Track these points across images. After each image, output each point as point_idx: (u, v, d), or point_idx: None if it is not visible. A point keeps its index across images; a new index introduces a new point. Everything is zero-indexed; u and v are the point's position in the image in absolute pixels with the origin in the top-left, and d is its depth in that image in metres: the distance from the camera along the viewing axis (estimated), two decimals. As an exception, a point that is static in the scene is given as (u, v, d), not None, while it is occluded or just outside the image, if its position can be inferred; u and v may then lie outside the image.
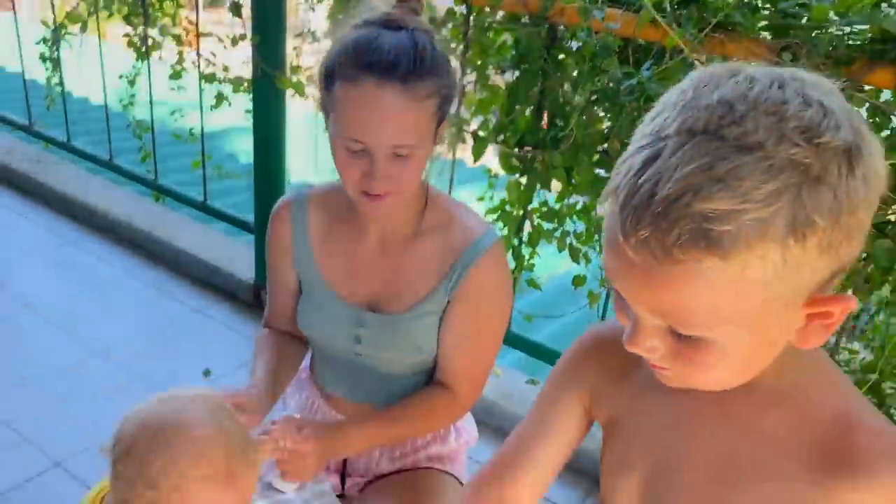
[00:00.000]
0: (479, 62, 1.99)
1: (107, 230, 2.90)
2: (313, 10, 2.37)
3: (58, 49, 2.91)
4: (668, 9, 1.53)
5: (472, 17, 1.95)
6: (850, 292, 1.51)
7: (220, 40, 2.38)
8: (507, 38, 1.97)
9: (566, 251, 1.98)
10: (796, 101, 0.56)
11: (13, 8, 3.10)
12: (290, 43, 2.37)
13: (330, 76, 1.10)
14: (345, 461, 1.37)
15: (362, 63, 1.06)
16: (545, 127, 1.93)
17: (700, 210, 0.54)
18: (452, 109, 1.20)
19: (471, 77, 2.00)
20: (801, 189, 0.54)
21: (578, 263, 1.98)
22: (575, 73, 1.77)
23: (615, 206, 0.58)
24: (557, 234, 1.99)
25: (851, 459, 0.63)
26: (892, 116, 1.46)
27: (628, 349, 0.64)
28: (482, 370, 1.29)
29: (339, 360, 1.30)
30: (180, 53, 2.53)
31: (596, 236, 1.95)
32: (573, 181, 1.89)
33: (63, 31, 2.85)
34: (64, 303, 2.49)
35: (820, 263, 0.57)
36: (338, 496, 1.33)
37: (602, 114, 1.74)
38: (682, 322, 0.60)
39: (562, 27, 1.79)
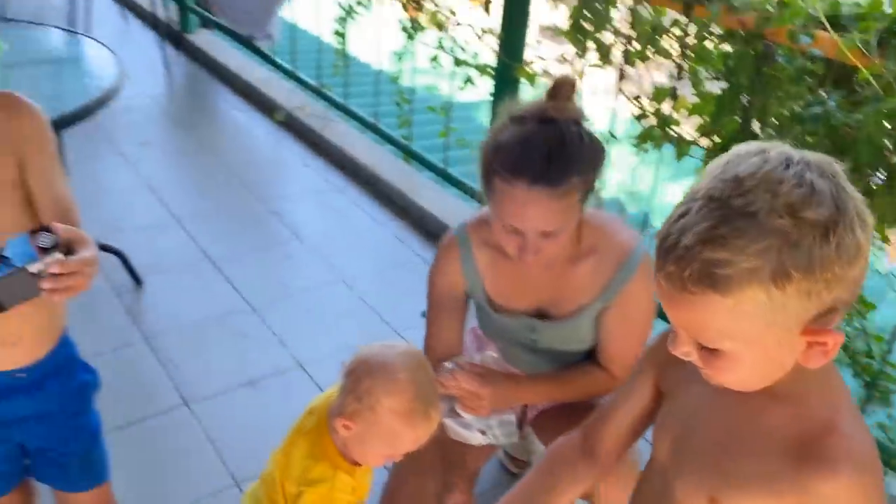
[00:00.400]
0: (694, 69, 2.13)
1: (366, 182, 3.44)
2: (557, 7, 2.62)
3: (346, 25, 3.47)
4: (873, 40, 1.59)
5: (691, 27, 2.09)
6: None
7: (476, 33, 2.73)
8: (724, 47, 2.08)
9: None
10: (792, 181, 0.73)
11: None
12: (531, 35, 2.65)
13: (488, 168, 1.30)
14: None
15: (516, 168, 1.25)
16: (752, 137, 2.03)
17: (707, 258, 0.74)
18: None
19: (685, 82, 2.15)
20: (782, 250, 0.72)
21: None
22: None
23: (656, 246, 0.80)
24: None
25: (822, 455, 0.80)
26: None
27: (670, 351, 0.86)
28: (632, 356, 1.50)
29: (517, 347, 1.58)
30: (440, 40, 2.92)
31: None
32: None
33: (352, 10, 3.39)
34: (323, 236, 3.05)
35: (804, 304, 0.75)
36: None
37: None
38: (699, 336, 0.81)
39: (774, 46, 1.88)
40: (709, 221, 0.75)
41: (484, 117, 3.55)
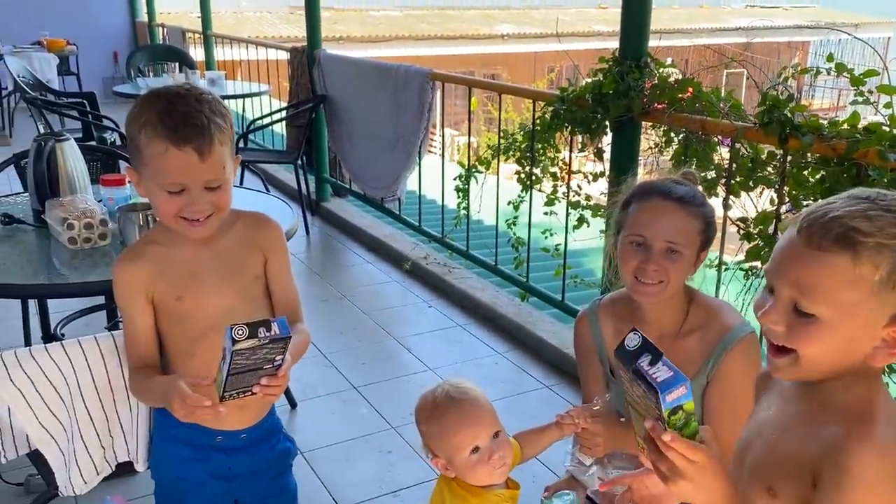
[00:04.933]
0: (794, 194, 2.37)
1: (487, 319, 3.73)
2: (662, 153, 2.94)
3: (468, 183, 3.91)
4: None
5: (788, 158, 2.35)
6: None
7: (585, 176, 3.07)
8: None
9: None
10: None
11: (442, 154, 4.21)
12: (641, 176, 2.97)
13: (627, 203, 1.61)
14: None
15: (654, 190, 1.57)
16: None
17: (852, 225, 0.92)
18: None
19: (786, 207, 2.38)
20: None
21: None
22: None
23: (799, 219, 0.98)
24: None
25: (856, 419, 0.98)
26: None
27: (758, 320, 1.02)
28: (731, 438, 1.62)
29: None
30: (554, 186, 3.28)
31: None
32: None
33: (473, 170, 3.83)
34: (450, 367, 3.30)
35: None
36: None
37: None
38: (805, 295, 0.95)
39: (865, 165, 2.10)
40: (858, 206, 0.95)
41: (600, 259, 3.84)
